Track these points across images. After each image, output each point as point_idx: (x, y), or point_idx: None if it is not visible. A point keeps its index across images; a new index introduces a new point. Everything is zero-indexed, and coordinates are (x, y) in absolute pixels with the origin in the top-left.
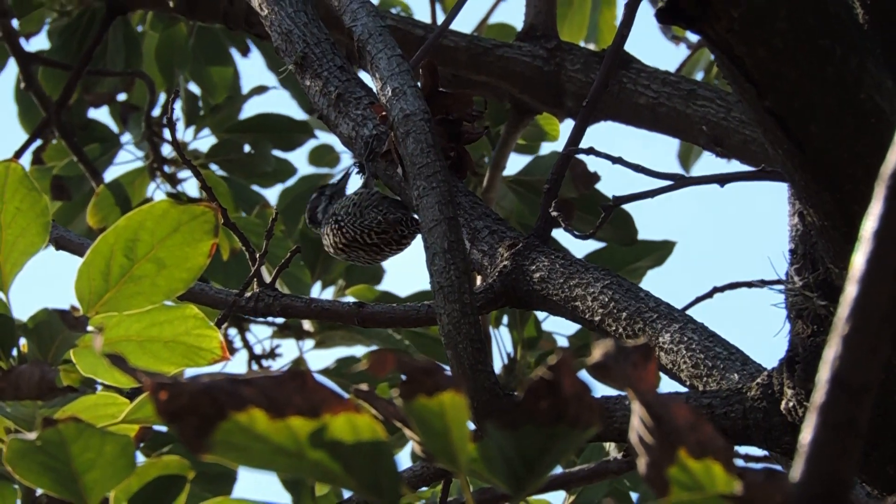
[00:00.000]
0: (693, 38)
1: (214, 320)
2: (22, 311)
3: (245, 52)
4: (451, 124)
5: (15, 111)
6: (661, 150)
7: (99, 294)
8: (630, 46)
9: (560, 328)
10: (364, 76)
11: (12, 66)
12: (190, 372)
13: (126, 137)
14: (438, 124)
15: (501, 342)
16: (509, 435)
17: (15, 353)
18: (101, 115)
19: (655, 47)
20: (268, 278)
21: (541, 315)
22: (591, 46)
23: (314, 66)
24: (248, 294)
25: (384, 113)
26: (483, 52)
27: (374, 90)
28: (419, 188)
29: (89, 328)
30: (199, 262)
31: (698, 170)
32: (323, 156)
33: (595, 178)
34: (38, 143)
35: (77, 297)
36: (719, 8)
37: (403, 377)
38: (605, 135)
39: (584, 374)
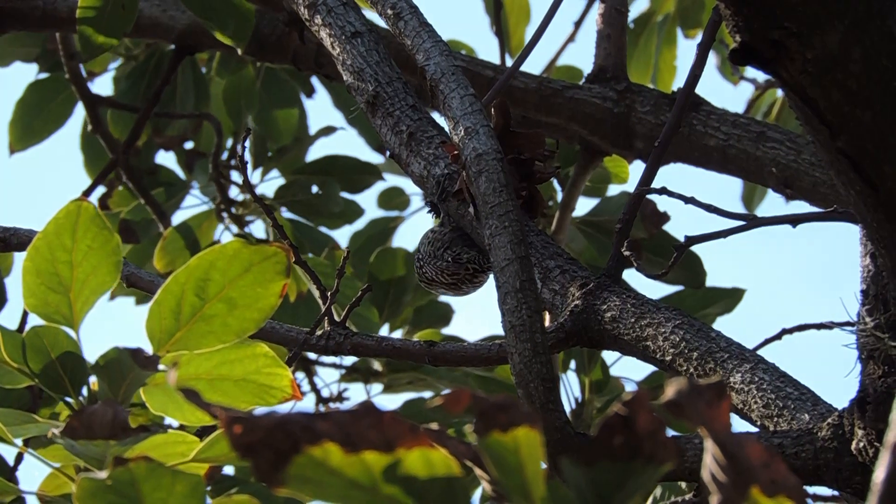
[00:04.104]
0: (759, 79)
1: (284, 359)
2: (93, 349)
3: (310, 92)
4: (523, 164)
5: (81, 160)
6: (723, 192)
7: (170, 333)
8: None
9: (628, 373)
10: (436, 116)
11: (77, 117)
12: (260, 411)
13: (193, 182)
14: (510, 164)
15: (569, 387)
16: (584, 471)
17: (85, 391)
18: (167, 160)
19: (710, 86)
20: (337, 319)
21: (609, 359)
22: (652, 86)
23: (386, 105)
24: (318, 332)
25: (456, 152)
26: (553, 93)
27: (446, 129)
28: (491, 227)
29: (160, 367)
30: (271, 303)
31: (762, 212)
32: (392, 198)
33: (665, 218)
34: (103, 190)
35: (148, 335)
36: (793, 49)
37: (478, 413)
38: (667, 178)
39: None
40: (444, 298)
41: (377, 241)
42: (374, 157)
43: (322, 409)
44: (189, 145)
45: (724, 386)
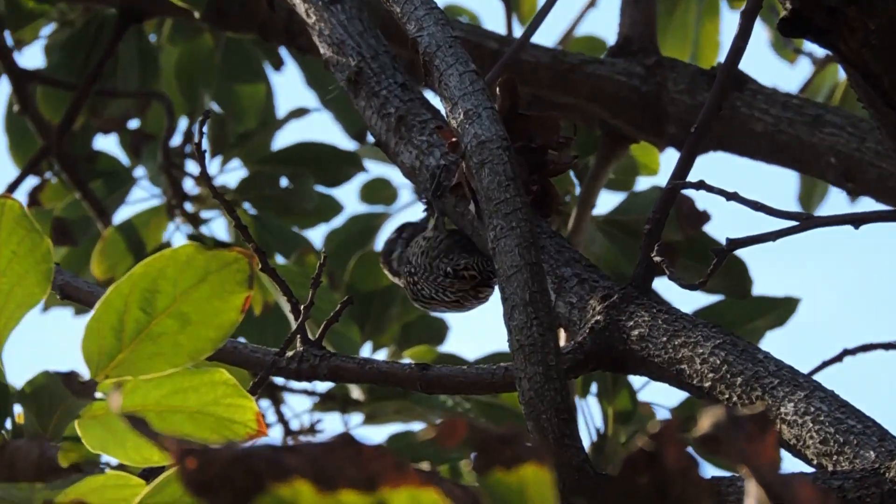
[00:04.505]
0: (818, 53)
1: (248, 385)
2: (18, 373)
3: (278, 65)
4: (534, 153)
5: (4, 143)
6: (774, 188)
7: (110, 355)
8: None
9: (659, 398)
10: (430, 96)
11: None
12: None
13: (140, 171)
14: (519, 153)
15: (589, 415)
16: None
17: (9, 424)
18: (108, 145)
19: (763, 66)
20: (312, 337)
21: (636, 383)
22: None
23: (371, 83)
24: (289, 354)
25: (454, 139)
26: (569, 69)
27: (443, 112)
28: (496, 228)
29: (98, 395)
30: (231, 319)
31: (823, 213)
32: (377, 191)
33: (705, 217)
34: (35, 182)
35: (84, 357)
36: (854, 18)
37: (477, 447)
38: (709, 169)
39: (690, 450)
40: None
41: (357, 241)
42: (354, 147)
43: (291, 442)
44: (135, 124)
45: (769, 416)
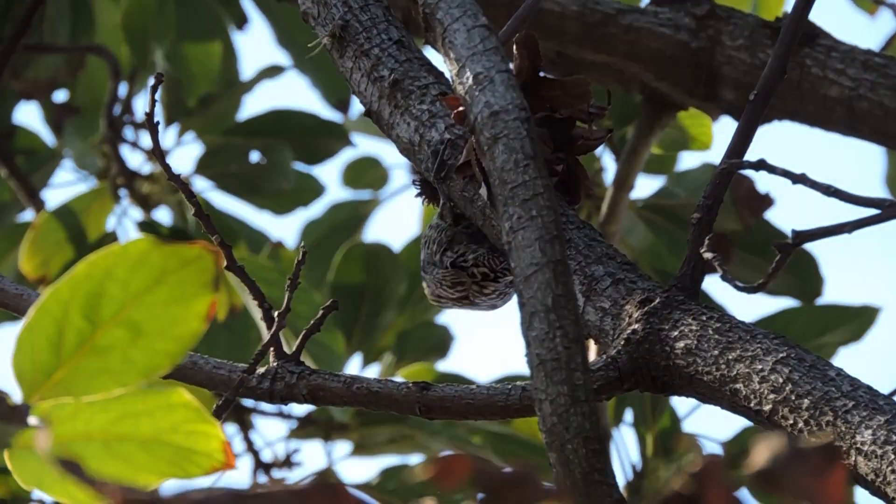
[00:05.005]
0: None
1: (211, 409)
2: None
3: (242, 23)
4: (559, 125)
5: None
6: (855, 166)
7: (47, 372)
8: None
9: (710, 428)
10: (432, 55)
11: None
12: (176, 485)
13: (66, 150)
14: (540, 125)
15: (624, 447)
16: None
17: None
18: (28, 116)
19: (838, 18)
20: (288, 350)
21: (681, 408)
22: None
23: (359, 40)
24: (260, 370)
25: (461, 108)
26: (603, 20)
27: (448, 75)
28: (512, 218)
29: (32, 420)
30: (192, 328)
31: None
32: (363, 172)
33: (767, 202)
34: None
35: (16, 375)
36: None
37: (483, 488)
38: (773, 143)
39: (742, 493)
40: (442, 320)
41: (342, 234)
42: (335, 117)
43: (262, 479)
44: (62, 95)
45: (837, 448)
